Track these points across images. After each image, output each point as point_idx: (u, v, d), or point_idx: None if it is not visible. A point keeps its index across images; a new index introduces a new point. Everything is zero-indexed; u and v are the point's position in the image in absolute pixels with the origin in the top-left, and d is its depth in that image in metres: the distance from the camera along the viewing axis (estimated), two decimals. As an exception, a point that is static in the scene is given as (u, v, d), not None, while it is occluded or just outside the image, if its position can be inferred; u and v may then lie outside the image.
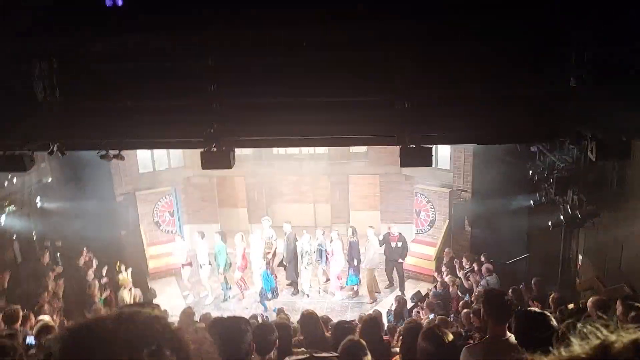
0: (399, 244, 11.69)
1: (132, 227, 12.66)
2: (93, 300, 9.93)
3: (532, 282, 9.70)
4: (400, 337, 5.53)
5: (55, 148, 6.61)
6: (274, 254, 11.91)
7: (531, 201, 9.84)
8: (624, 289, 7.61)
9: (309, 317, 4.63)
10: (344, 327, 4.51)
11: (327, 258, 11.71)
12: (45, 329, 5.93)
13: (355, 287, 11.87)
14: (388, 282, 12.25)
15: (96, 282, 10.40)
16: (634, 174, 7.72)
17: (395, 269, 11.94)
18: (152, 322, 0.91)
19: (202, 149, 6.75)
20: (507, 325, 3.32)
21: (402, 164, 6.59)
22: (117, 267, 11.03)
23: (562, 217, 8.65)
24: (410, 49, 5.48)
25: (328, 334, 5.43)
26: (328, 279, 12.13)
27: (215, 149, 6.49)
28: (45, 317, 7.87)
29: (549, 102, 6.03)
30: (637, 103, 5.43)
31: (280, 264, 11.90)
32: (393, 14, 5.16)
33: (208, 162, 6.64)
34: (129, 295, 10.32)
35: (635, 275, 7.60)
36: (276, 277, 11.50)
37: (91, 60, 6.21)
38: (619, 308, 4.73)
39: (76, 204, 11.16)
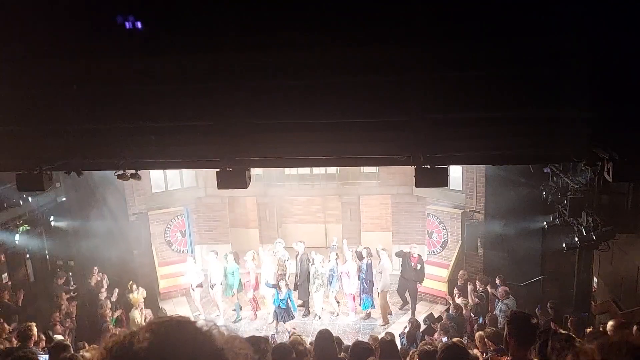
0: (419, 266, 11.60)
1: (144, 246, 12.69)
2: (104, 320, 9.91)
3: (548, 304, 9.57)
4: (416, 360, 5.46)
5: (73, 168, 6.70)
6: (283, 275, 11.85)
7: (545, 223, 9.77)
8: (642, 313, 7.49)
9: (324, 337, 4.59)
10: (363, 348, 4.47)
11: (340, 280, 11.63)
12: (60, 346, 5.92)
13: (369, 310, 11.77)
14: (402, 302, 12.12)
15: (108, 302, 10.39)
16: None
17: (408, 289, 11.83)
18: (194, 337, 0.94)
19: (217, 169, 6.81)
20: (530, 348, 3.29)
21: (417, 184, 6.59)
22: (129, 287, 11.03)
23: (576, 238, 8.57)
24: (425, 72, 5.54)
25: (340, 356, 5.38)
26: (338, 302, 12.06)
27: (231, 169, 6.55)
28: (58, 337, 7.88)
29: (564, 124, 6.03)
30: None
31: (295, 287, 11.84)
32: (410, 39, 5.24)
33: (224, 182, 6.69)
34: (140, 315, 10.29)
35: (653, 298, 7.49)
36: (289, 299, 11.40)
37: (109, 81, 6.33)
38: (636, 333, 4.65)
39: (89, 224, 11.25)
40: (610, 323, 5.50)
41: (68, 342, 6.99)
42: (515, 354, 3.39)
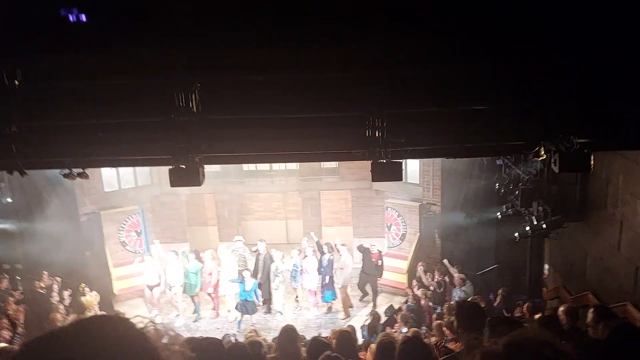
0: (379, 262, 11.78)
1: (97, 247, 12.28)
2: (55, 325, 9.53)
3: (499, 291, 9.88)
4: (374, 353, 5.50)
5: (15, 168, 6.36)
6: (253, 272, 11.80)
7: (498, 213, 10.04)
8: (589, 298, 7.81)
9: (288, 333, 4.55)
10: (319, 343, 4.46)
11: (300, 275, 11.66)
12: (4, 352, 5.65)
13: (330, 303, 11.83)
14: (362, 294, 12.23)
15: (60, 305, 10.01)
16: (594, 186, 8.00)
17: (369, 283, 11.95)
18: (125, 334, 0.88)
19: (170, 166, 6.62)
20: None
21: (374, 179, 6.62)
22: (81, 290, 10.66)
23: (528, 228, 8.84)
24: (383, 68, 5.56)
25: (302, 353, 5.35)
26: (297, 296, 12.09)
27: (184, 166, 6.37)
28: (1, 345, 7.51)
29: (514, 117, 6.19)
30: (597, 116, 5.66)
31: (258, 286, 11.80)
32: (366, 36, 5.25)
33: (176, 180, 6.50)
34: (94, 318, 9.96)
35: (599, 284, 7.82)
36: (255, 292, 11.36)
37: (54, 77, 6.05)
38: (589, 316, 4.84)
39: (38, 225, 10.78)
40: (561, 309, 5.70)
41: (15, 348, 6.67)
42: (466, 342, 3.45)
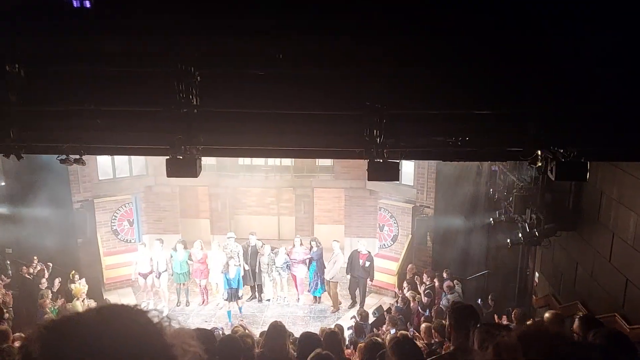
0: (367, 264, 11.59)
1: (89, 235, 12.23)
2: (44, 311, 9.49)
3: (489, 297, 9.93)
4: (362, 352, 5.52)
5: (12, 151, 6.32)
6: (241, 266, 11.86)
7: (491, 219, 10.10)
8: (578, 307, 7.87)
9: (276, 329, 4.56)
10: (310, 337, 4.47)
11: (290, 268, 11.79)
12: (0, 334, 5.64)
13: (319, 297, 11.96)
14: (351, 301, 12.07)
15: (49, 292, 9.96)
16: (588, 195, 8.06)
17: (358, 286, 11.85)
18: (144, 328, 0.88)
19: (167, 157, 6.60)
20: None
21: (369, 178, 6.62)
22: (71, 277, 10.61)
23: (520, 235, 8.90)
24: (381, 67, 5.58)
25: (289, 348, 5.36)
26: (284, 297, 12.20)
27: (181, 157, 6.36)
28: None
29: (513, 122, 6.22)
30: (593, 125, 5.70)
31: (248, 281, 11.86)
32: (369, 33, 5.26)
33: (173, 170, 6.48)
34: (81, 306, 9.93)
35: (588, 294, 7.88)
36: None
37: (55, 61, 6.02)
38: (577, 324, 4.87)
39: (30, 210, 10.72)
40: (546, 315, 5.72)
41: (8, 328, 6.69)
42: (456, 344, 3.48)
